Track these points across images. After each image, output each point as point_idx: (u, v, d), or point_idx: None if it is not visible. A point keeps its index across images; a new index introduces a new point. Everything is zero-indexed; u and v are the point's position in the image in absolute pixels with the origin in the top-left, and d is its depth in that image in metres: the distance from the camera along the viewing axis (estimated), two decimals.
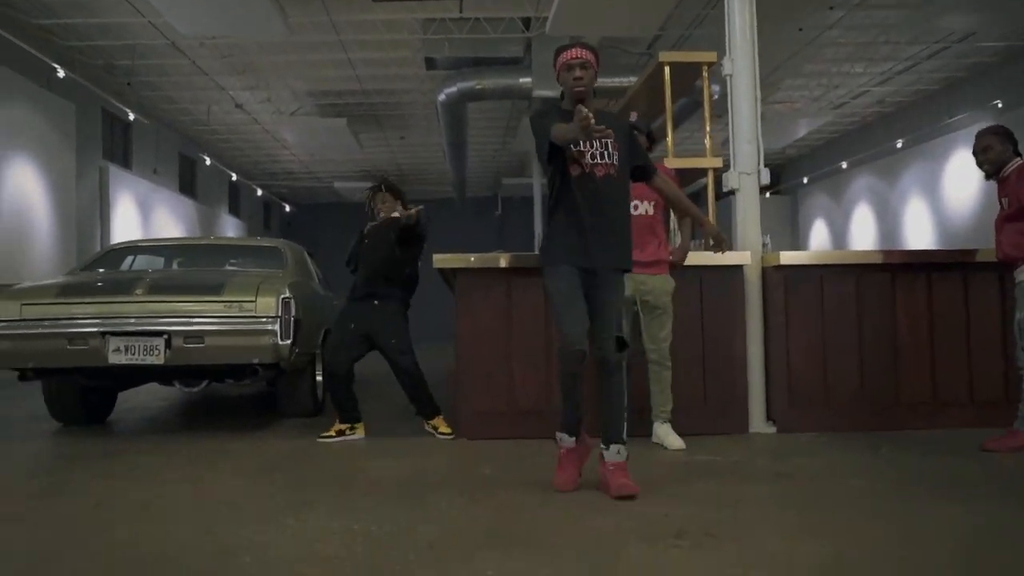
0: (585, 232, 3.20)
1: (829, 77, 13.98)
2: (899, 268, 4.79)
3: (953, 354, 4.74)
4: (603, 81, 11.38)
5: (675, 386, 4.43)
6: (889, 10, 10.90)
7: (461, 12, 10.33)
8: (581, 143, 3.18)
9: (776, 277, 4.74)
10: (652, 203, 4.27)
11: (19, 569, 2.39)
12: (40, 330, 4.67)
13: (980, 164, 4.20)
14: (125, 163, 14.29)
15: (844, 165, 17.33)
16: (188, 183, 17.53)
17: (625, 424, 3.27)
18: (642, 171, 3.47)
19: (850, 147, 17.59)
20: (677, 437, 4.21)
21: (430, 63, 11.95)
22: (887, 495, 3.20)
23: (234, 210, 20.69)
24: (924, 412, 4.69)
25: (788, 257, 4.73)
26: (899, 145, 15.28)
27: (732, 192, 5.03)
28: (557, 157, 3.22)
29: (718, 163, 5.99)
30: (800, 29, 11.47)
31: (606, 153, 3.25)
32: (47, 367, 4.76)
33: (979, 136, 4.21)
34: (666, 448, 4.17)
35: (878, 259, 4.86)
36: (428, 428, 4.81)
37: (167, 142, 16.04)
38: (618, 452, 3.21)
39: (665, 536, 2.59)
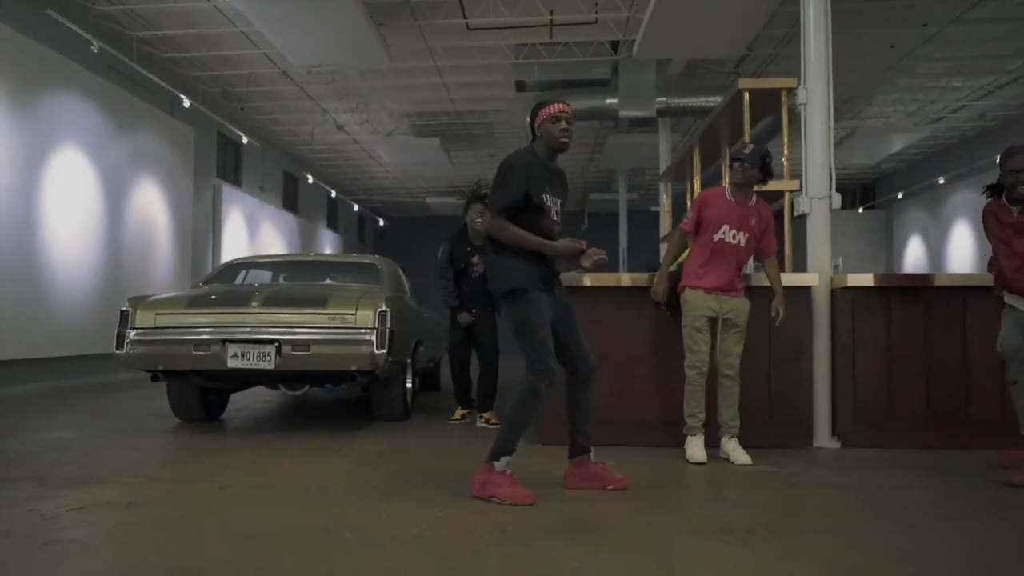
0: (549, 262, 3.60)
1: (925, 92, 13.75)
2: (969, 291, 4.90)
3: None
4: (689, 101, 11.63)
5: (744, 401, 4.70)
6: (989, 24, 10.73)
7: (551, 37, 10.78)
8: (546, 200, 3.55)
9: (844, 298, 4.93)
10: (747, 236, 4.49)
11: (167, 539, 2.89)
12: (171, 337, 5.31)
13: (1016, 184, 3.98)
14: (236, 181, 15.35)
15: (941, 180, 16.90)
16: (291, 199, 18.61)
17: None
18: None
19: (949, 162, 17.14)
20: (744, 452, 4.40)
21: (520, 85, 12.44)
22: (936, 509, 3.39)
23: (332, 224, 21.74)
24: (992, 433, 4.78)
25: (856, 279, 4.91)
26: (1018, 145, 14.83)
27: (804, 215, 5.25)
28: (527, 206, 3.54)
29: (795, 185, 6.19)
30: (892, 46, 11.41)
31: (557, 211, 3.64)
32: (175, 369, 5.41)
33: (1017, 153, 4.03)
34: (732, 463, 4.38)
35: (947, 282, 4.97)
36: (480, 422, 5.83)
37: (273, 161, 17.11)
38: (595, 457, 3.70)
39: (712, 531, 2.89)
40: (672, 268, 4.91)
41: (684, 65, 11.75)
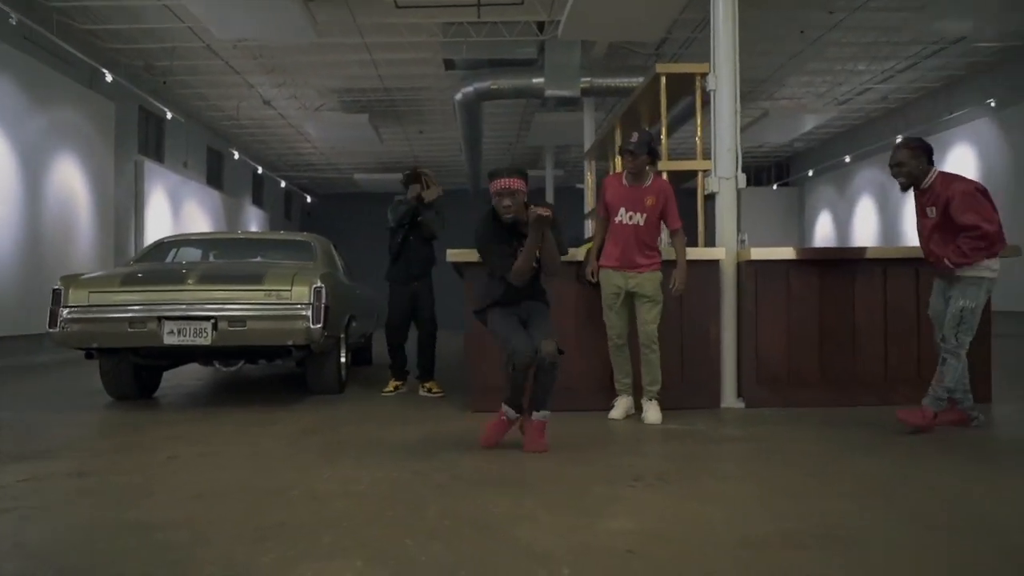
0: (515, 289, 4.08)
1: (833, 75, 14.49)
2: (857, 263, 5.40)
3: (903, 339, 5.35)
4: (612, 82, 12.01)
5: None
6: (888, 13, 11.40)
7: (479, 16, 10.97)
8: (506, 248, 4.04)
9: (748, 270, 5.36)
10: (643, 215, 4.86)
11: (121, 501, 3.09)
12: (105, 315, 5.39)
13: (895, 176, 4.53)
14: (158, 157, 15.08)
15: (847, 159, 17.82)
16: (215, 175, 18.34)
17: (550, 399, 3.98)
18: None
19: (855, 141, 18.08)
20: (657, 413, 4.80)
21: (449, 64, 12.62)
22: (824, 455, 3.83)
23: (257, 201, 21.49)
24: (877, 390, 5.31)
25: (759, 253, 5.34)
26: (899, 140, 15.74)
27: (712, 194, 5.65)
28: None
29: (708, 165, 6.59)
30: (802, 31, 12.01)
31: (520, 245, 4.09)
32: (111, 347, 5.49)
33: (894, 149, 4.54)
34: (644, 422, 4.80)
35: (838, 255, 5.46)
36: (423, 391, 6.12)
37: (196, 137, 16.83)
38: (543, 415, 3.99)
39: (624, 479, 3.25)
40: (591, 245, 5.26)
41: (607, 47, 12.11)
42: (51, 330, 5.40)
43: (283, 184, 22.11)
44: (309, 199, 24.41)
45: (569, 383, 5.22)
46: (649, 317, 4.86)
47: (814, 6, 11.08)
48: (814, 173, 19.75)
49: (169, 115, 13.68)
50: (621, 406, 4.98)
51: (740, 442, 4.18)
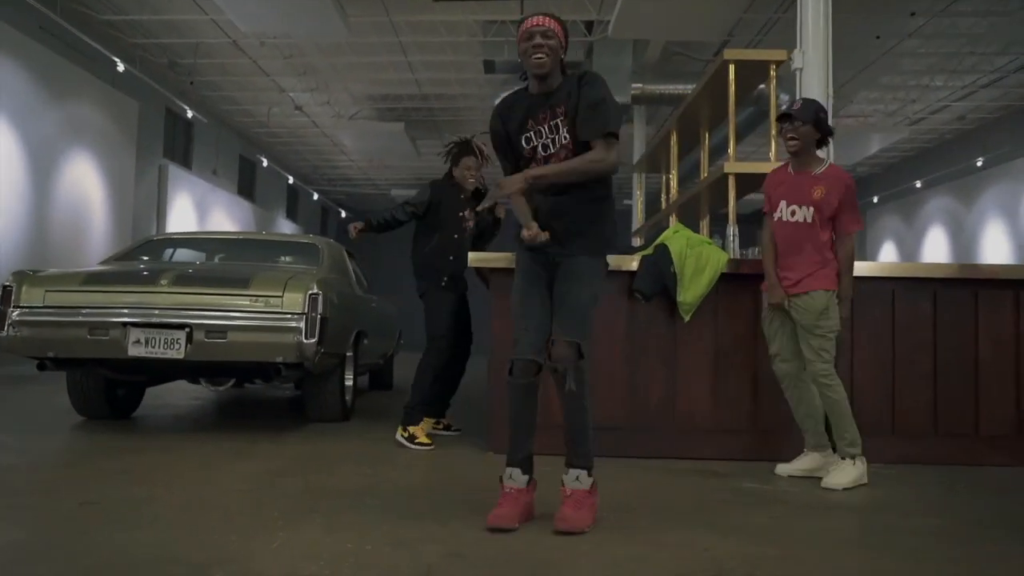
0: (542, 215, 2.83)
1: (907, 90, 13.34)
2: (983, 284, 4.31)
3: None
4: (666, 88, 11.03)
5: (725, 404, 4.10)
6: (976, 18, 10.28)
7: (522, 13, 10.10)
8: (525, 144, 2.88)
9: None
10: (811, 210, 3.71)
11: None
12: (62, 318, 4.52)
13: None
14: (185, 163, 14.47)
15: (918, 184, 16.52)
16: (247, 185, 17.72)
17: (588, 444, 2.75)
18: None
19: (925, 165, 16.80)
20: (840, 474, 3.62)
21: (489, 66, 11.78)
22: (962, 537, 2.76)
23: (291, 214, 20.87)
24: (1008, 447, 4.19)
25: (856, 268, 4.27)
26: (979, 164, 14.48)
27: None
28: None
29: None
30: (877, 37, 10.92)
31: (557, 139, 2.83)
32: (67, 357, 4.61)
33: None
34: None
35: (958, 274, 4.37)
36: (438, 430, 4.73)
37: (227, 143, 16.22)
38: (576, 479, 2.71)
39: (703, 574, 2.21)
40: (648, 251, 4.27)
41: (661, 50, 11.16)
42: None
43: (316, 197, 21.48)
44: (344, 214, 23.76)
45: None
46: (809, 354, 3.69)
47: (894, 6, 10.00)
48: (879, 200, 18.46)
49: (191, 115, 13.00)
50: (802, 461, 3.83)
51: (849, 514, 3.12)
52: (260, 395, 7.23)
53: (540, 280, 2.83)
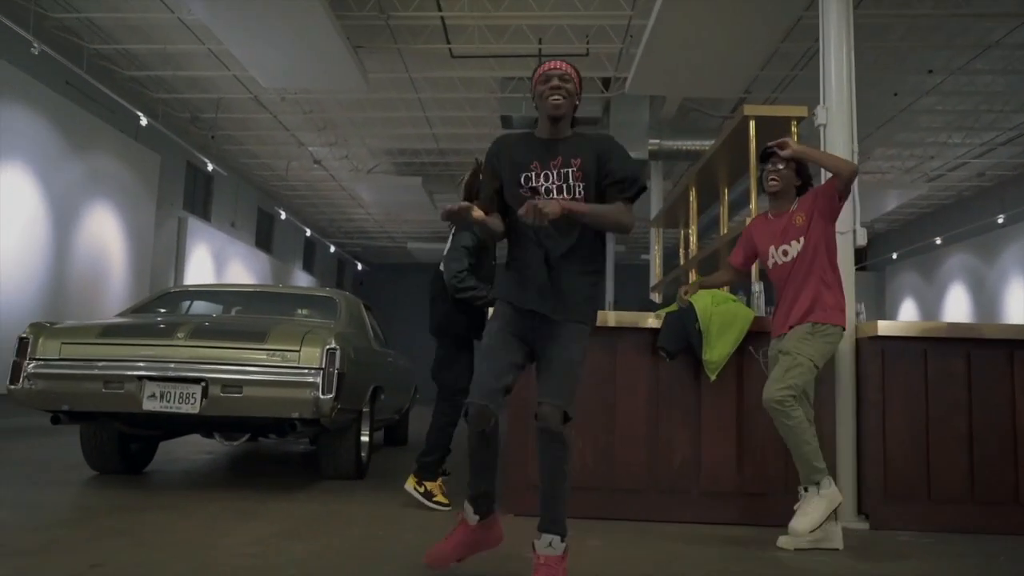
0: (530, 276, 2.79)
1: (924, 147, 13.34)
2: (1017, 344, 4.18)
3: None
4: (682, 144, 11.06)
5: (751, 465, 3.96)
6: (994, 75, 10.30)
7: None
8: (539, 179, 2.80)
9: (872, 350, 4.19)
10: (797, 242, 3.66)
11: None
12: (77, 371, 4.47)
13: None
14: (204, 215, 14.60)
15: (938, 241, 16.40)
16: (264, 237, 17.85)
17: (563, 510, 2.65)
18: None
19: (944, 222, 16.70)
20: (802, 519, 3.39)
21: (506, 121, 11.86)
22: None
23: (308, 266, 20.96)
24: None
25: (887, 328, 4.17)
26: (1000, 221, 14.37)
27: None
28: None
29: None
30: (895, 94, 10.95)
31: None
32: (81, 410, 4.55)
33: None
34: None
35: (993, 333, 4.25)
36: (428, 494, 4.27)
37: (246, 196, 16.39)
38: (550, 544, 2.61)
39: None
40: (672, 308, 4.18)
41: (678, 107, 11.23)
42: (11, 387, 4.49)
43: (333, 250, 21.60)
44: (361, 267, 23.85)
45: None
46: (775, 374, 3.56)
47: (911, 63, 10.05)
48: (898, 256, 18.33)
49: (211, 168, 13.15)
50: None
51: None
52: (273, 449, 7.12)
53: (516, 336, 2.75)
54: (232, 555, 3.09)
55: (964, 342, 4.20)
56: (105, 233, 10.79)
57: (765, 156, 3.76)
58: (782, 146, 3.65)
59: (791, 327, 3.62)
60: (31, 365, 4.49)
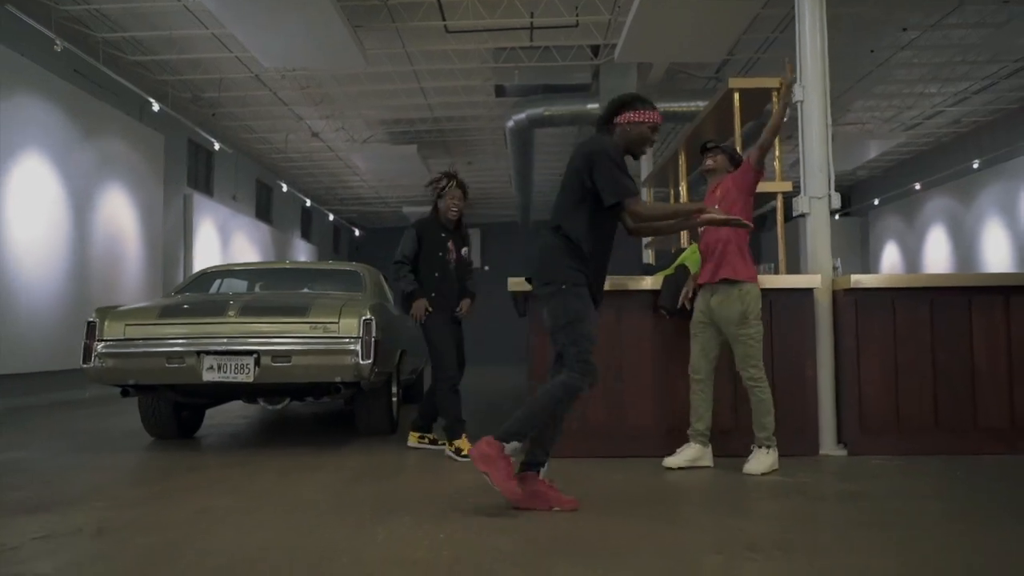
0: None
1: (902, 98, 13.80)
2: (975, 291, 4.77)
3: None
4: (670, 106, 11.51)
5: (744, 406, 4.54)
6: (967, 29, 10.75)
7: (532, 41, 10.61)
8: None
9: (847, 300, 4.77)
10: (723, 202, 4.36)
11: (138, 569, 2.62)
12: (142, 349, 5.01)
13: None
14: (207, 190, 14.97)
15: (917, 186, 16.97)
16: (264, 209, 18.24)
17: (520, 429, 3.30)
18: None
19: (924, 168, 17.24)
20: (756, 462, 4.17)
21: (499, 90, 12.27)
22: (963, 516, 3.21)
23: (306, 234, 21.37)
24: (1002, 437, 4.64)
25: (859, 280, 4.75)
26: (976, 166, 14.93)
27: (802, 216, 5.09)
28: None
29: (787, 187, 6.06)
30: (872, 51, 11.40)
31: None
32: (147, 384, 5.10)
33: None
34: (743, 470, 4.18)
35: (953, 282, 4.83)
36: (450, 452, 4.83)
37: (245, 170, 16.74)
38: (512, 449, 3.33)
39: (737, 547, 2.68)
40: (669, 271, 4.73)
41: (664, 71, 11.65)
42: (85, 365, 5.04)
43: (331, 217, 21.99)
44: (357, 233, 24.26)
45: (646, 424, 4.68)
46: (738, 351, 4.28)
47: (886, 24, 10.49)
48: (880, 202, 18.90)
49: (217, 147, 13.51)
50: (685, 453, 4.34)
51: (856, 500, 3.57)
52: (301, 412, 7.70)
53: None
54: (315, 496, 3.68)
55: (928, 291, 4.79)
56: (120, 215, 11.21)
57: (704, 149, 4.55)
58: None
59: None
60: (100, 346, 5.02)
